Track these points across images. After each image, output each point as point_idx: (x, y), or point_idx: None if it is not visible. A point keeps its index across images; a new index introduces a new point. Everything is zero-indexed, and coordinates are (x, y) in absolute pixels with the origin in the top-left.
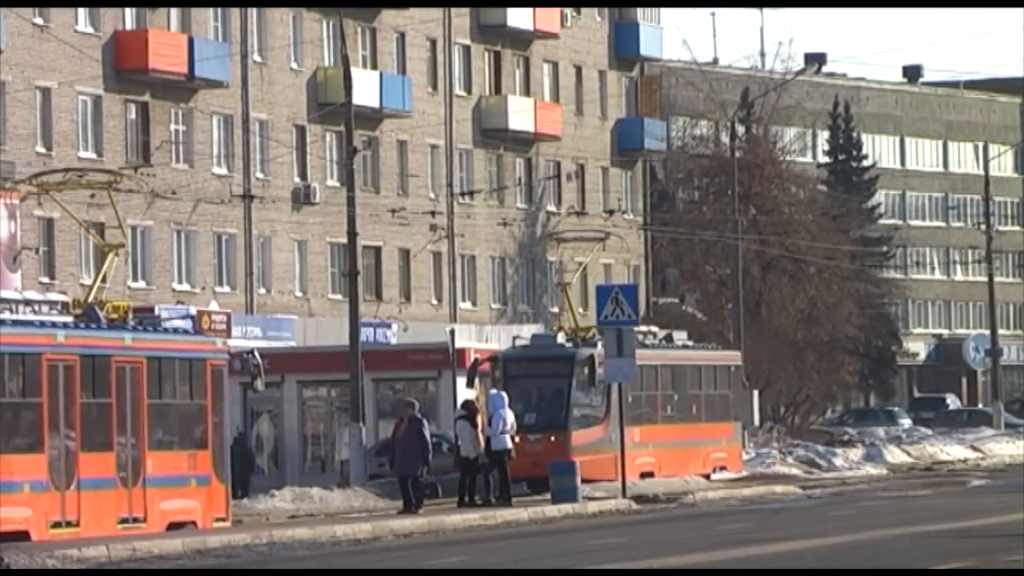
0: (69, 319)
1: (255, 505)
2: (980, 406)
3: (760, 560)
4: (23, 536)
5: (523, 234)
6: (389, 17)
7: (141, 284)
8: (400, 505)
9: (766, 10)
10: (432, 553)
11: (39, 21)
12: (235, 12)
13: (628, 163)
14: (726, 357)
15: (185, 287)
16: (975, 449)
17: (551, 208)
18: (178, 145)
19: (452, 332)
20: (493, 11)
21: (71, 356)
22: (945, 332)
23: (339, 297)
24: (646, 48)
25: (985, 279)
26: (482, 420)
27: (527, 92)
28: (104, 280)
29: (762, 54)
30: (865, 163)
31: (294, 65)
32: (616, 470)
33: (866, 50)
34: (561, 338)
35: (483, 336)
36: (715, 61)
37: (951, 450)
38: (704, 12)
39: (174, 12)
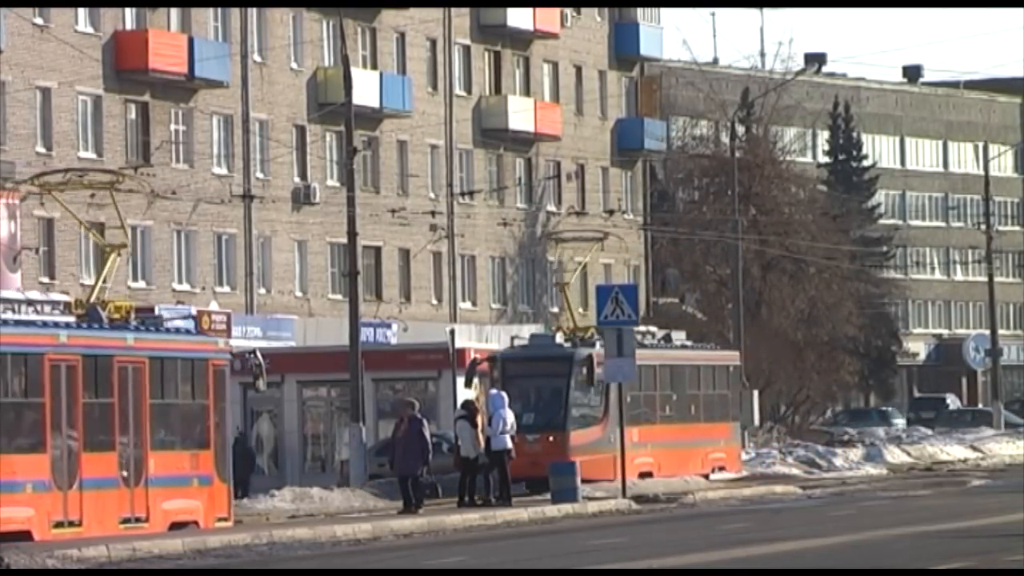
0: (71, 319)
1: (255, 505)
2: (980, 406)
3: (760, 560)
4: (26, 536)
5: (523, 234)
6: (389, 17)
7: (141, 284)
8: (400, 505)
9: (766, 10)
10: (432, 553)
11: (39, 21)
12: (235, 12)
13: (628, 163)
14: (725, 357)
15: (185, 287)
16: (975, 449)
17: (551, 208)
18: (178, 145)
19: (452, 332)
20: (493, 11)
21: (73, 356)
22: (945, 332)
23: (339, 297)
24: (646, 48)
25: (985, 279)
26: (482, 420)
27: (527, 92)
28: (106, 280)
29: (762, 54)
30: (865, 163)
31: (294, 65)
32: (614, 470)
33: (866, 50)
34: (559, 338)
35: (483, 336)
36: (715, 61)
37: (951, 450)
38: (704, 12)
39: (174, 12)
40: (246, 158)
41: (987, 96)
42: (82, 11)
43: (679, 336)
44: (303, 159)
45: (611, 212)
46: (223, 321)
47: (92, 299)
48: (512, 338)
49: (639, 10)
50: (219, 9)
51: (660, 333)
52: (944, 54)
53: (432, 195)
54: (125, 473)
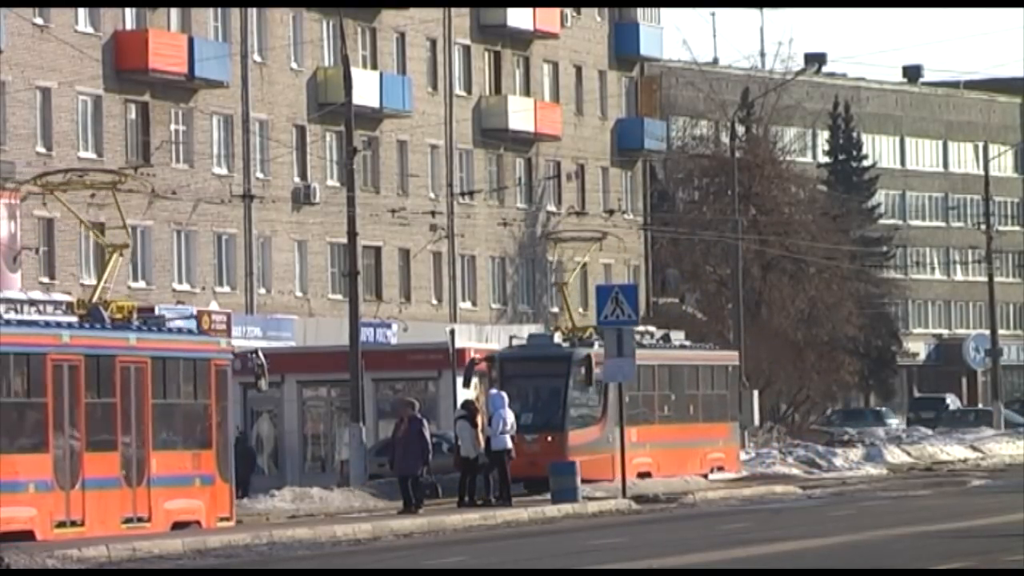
0: (74, 319)
1: (255, 505)
2: (980, 406)
3: (760, 560)
4: (28, 536)
5: (523, 234)
6: (389, 17)
7: (141, 284)
8: (400, 505)
9: (766, 10)
10: (432, 553)
11: (39, 21)
12: (235, 12)
13: (628, 163)
14: (724, 357)
15: (185, 287)
16: (975, 449)
17: (551, 208)
18: (178, 145)
19: (452, 332)
20: (493, 11)
21: (76, 356)
22: (945, 332)
23: (339, 297)
24: (646, 48)
25: (985, 279)
26: (482, 420)
27: (527, 92)
28: (107, 280)
29: (762, 54)
30: (865, 163)
31: (294, 65)
32: (613, 470)
33: (866, 50)
34: (558, 338)
35: (483, 336)
36: (715, 61)
37: (951, 450)
38: (704, 12)
39: (174, 12)
40: (246, 158)
41: (987, 96)
42: (82, 11)
43: (678, 336)
44: (303, 159)
45: (611, 212)
46: (223, 321)
47: (94, 299)
48: (511, 338)
49: (639, 10)
50: (219, 9)
51: (659, 333)
52: (944, 54)
53: (432, 195)
54: (127, 473)
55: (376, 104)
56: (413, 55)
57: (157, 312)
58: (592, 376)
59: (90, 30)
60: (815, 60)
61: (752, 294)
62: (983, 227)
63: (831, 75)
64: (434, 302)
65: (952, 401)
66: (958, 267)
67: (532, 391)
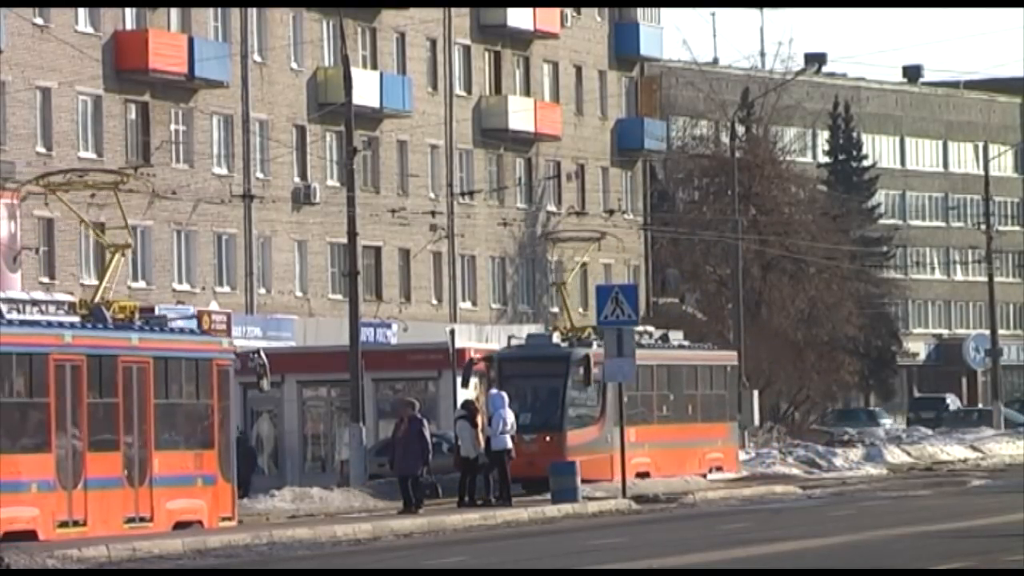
0: (76, 319)
1: (255, 505)
2: (980, 406)
3: (760, 560)
4: (31, 536)
5: (523, 234)
6: (389, 17)
7: (141, 284)
8: (400, 505)
9: (766, 10)
10: (432, 553)
11: (39, 21)
12: (235, 12)
13: (628, 163)
14: (722, 357)
15: (185, 287)
16: (975, 449)
17: (551, 208)
18: (178, 145)
19: (452, 332)
20: (493, 11)
21: (78, 356)
22: (945, 332)
23: (339, 297)
24: (646, 48)
25: (985, 279)
26: (482, 420)
27: (527, 92)
28: (109, 280)
29: (762, 54)
30: (865, 163)
31: (294, 65)
32: (611, 470)
33: (866, 50)
34: (556, 338)
35: (483, 336)
36: (715, 61)
37: (951, 450)
38: (704, 12)
39: (174, 12)
40: (246, 158)
41: (987, 96)
42: (82, 11)
43: (676, 336)
44: (303, 159)
45: (611, 212)
46: (223, 321)
47: (96, 299)
48: (509, 338)
49: (639, 10)
50: (219, 9)
51: (657, 333)
52: (944, 54)
53: (432, 195)
54: (130, 473)
55: (376, 104)
56: (413, 55)
57: (157, 312)
58: (590, 376)
59: (90, 30)
60: (815, 60)
61: (752, 294)
62: (983, 227)
63: (831, 75)
64: (434, 302)
65: (952, 401)
66: (958, 267)
67: (530, 391)
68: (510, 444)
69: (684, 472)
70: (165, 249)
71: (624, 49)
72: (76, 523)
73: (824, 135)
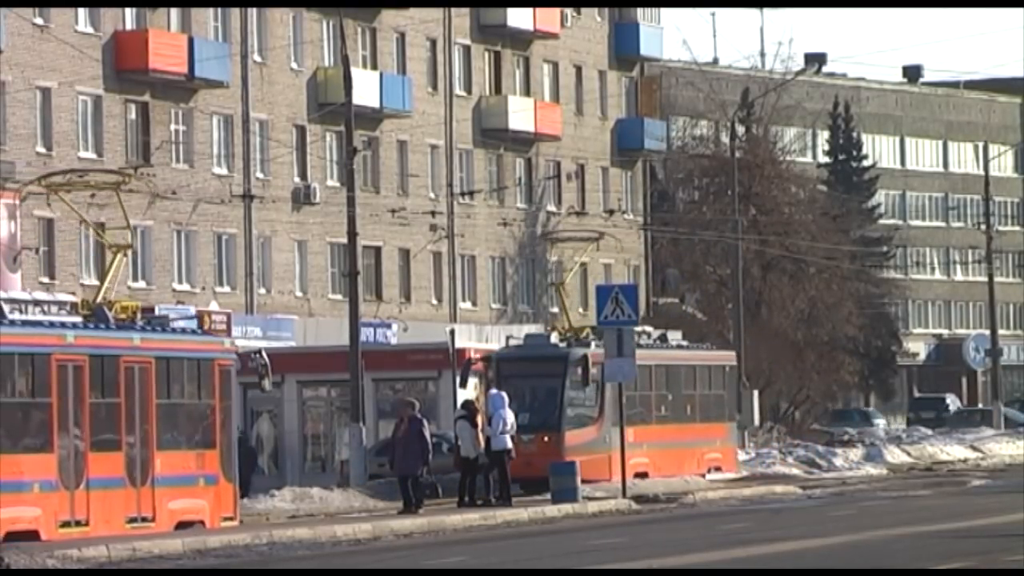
0: (78, 319)
1: (255, 505)
2: (980, 406)
3: (760, 560)
4: (33, 536)
5: (523, 234)
6: (389, 17)
7: (141, 284)
8: (400, 505)
9: (766, 10)
10: (432, 553)
11: (39, 21)
12: (235, 12)
13: (628, 163)
14: (721, 357)
15: (185, 287)
16: (975, 449)
17: (551, 208)
18: (178, 145)
19: (452, 332)
20: (493, 11)
21: (80, 356)
22: (945, 332)
23: (339, 297)
24: (646, 48)
25: (985, 279)
26: (482, 420)
27: (527, 92)
28: (111, 281)
29: (762, 54)
30: (865, 163)
31: (294, 65)
32: (610, 470)
33: (866, 50)
34: (555, 338)
35: (483, 336)
36: (715, 61)
37: (951, 450)
38: (704, 12)
39: (174, 12)
40: (246, 158)
41: (987, 96)
42: (82, 11)
43: (675, 336)
44: (303, 159)
45: (611, 212)
46: (223, 321)
47: (98, 299)
48: (508, 338)
49: (639, 10)
50: (219, 9)
51: (656, 333)
52: (944, 54)
53: (432, 195)
54: (132, 473)
55: (376, 104)
56: (413, 55)
57: (157, 312)
58: (589, 376)
59: (90, 30)
60: (815, 60)
61: (752, 294)
62: (983, 227)
63: (831, 75)
64: (434, 302)
65: (952, 401)
66: (958, 267)
67: (529, 391)
68: (510, 444)
69: (682, 472)
70: (165, 249)
71: (624, 49)
72: (78, 523)
73: (824, 135)
